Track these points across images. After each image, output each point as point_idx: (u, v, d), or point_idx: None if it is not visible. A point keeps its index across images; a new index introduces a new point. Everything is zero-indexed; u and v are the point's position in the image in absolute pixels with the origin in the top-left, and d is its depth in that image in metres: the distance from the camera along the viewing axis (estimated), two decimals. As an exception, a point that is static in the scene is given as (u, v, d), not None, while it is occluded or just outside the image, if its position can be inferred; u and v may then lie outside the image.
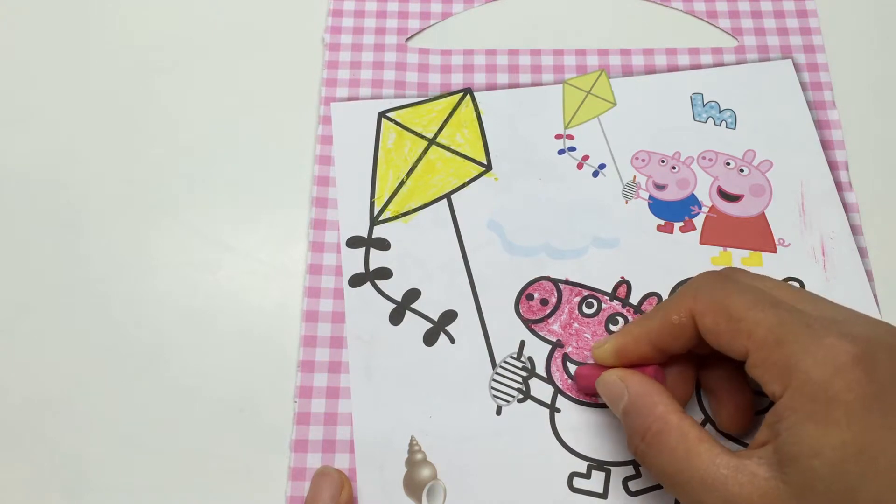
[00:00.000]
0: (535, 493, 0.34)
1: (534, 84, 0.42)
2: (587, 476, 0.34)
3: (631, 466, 0.34)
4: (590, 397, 0.35)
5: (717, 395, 0.33)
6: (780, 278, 0.36)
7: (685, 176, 0.40)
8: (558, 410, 0.35)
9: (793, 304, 0.29)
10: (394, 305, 0.37)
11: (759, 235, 0.38)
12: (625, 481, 0.34)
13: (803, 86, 0.42)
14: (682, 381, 0.33)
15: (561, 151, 0.41)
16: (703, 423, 0.34)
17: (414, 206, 0.39)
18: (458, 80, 0.42)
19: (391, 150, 0.41)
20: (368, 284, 0.38)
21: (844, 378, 0.26)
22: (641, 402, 0.30)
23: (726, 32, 0.44)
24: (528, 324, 0.37)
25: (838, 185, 0.39)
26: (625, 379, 0.31)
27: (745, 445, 0.34)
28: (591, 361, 0.36)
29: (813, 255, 0.38)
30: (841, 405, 0.25)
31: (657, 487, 0.34)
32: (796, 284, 0.37)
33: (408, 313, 0.37)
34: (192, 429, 0.35)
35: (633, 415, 0.30)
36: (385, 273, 0.38)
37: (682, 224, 0.39)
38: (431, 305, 0.37)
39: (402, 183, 0.40)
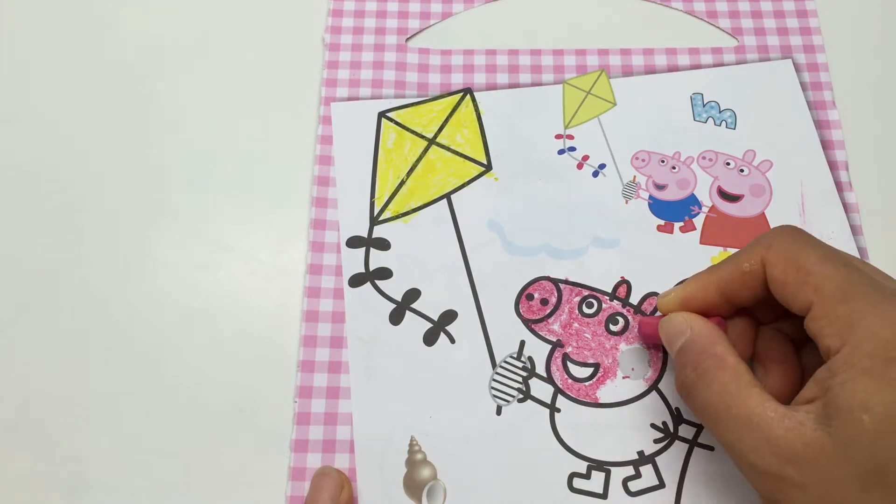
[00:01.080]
0: (535, 493, 0.34)
1: (534, 84, 0.42)
2: (587, 476, 0.34)
3: (631, 467, 0.34)
4: (648, 347, 0.36)
5: (766, 363, 0.33)
6: None
7: (685, 176, 0.40)
8: (558, 410, 0.35)
9: (862, 268, 0.29)
10: (394, 305, 0.37)
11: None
12: (625, 481, 0.34)
13: (803, 86, 0.42)
14: (742, 339, 0.33)
15: (561, 151, 0.41)
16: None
17: (414, 206, 0.39)
18: (458, 80, 0.42)
19: (391, 150, 0.41)
20: (368, 284, 0.38)
21: None
22: (702, 340, 0.30)
23: (726, 32, 0.44)
24: (528, 324, 0.37)
25: (838, 185, 0.39)
26: (689, 319, 0.31)
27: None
28: (590, 362, 0.36)
29: (813, 255, 0.38)
30: None
31: (657, 487, 0.34)
32: None
33: (408, 313, 0.37)
34: (192, 429, 0.35)
35: (689, 350, 0.30)
36: (385, 273, 0.38)
37: (682, 224, 0.39)
38: (431, 305, 0.37)
39: (402, 183, 0.40)
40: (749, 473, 0.28)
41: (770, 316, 0.33)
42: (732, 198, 0.39)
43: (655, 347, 0.36)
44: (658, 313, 0.34)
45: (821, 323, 0.28)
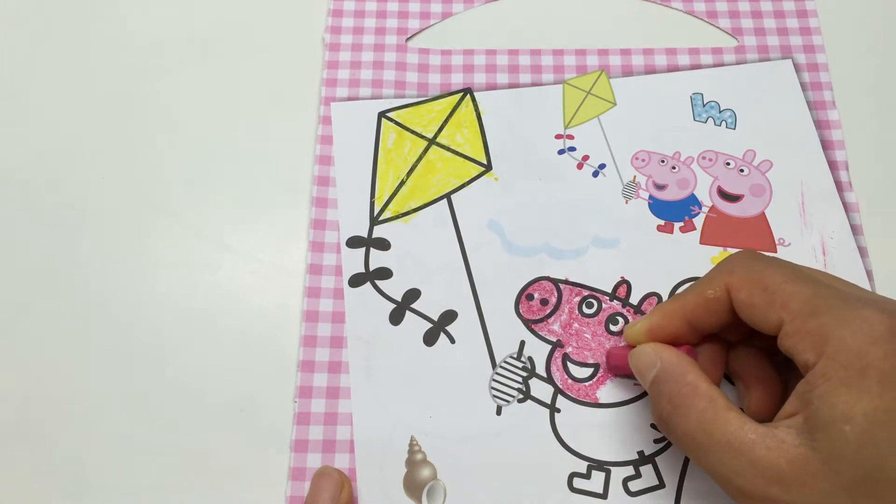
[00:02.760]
0: (535, 493, 0.34)
1: (534, 84, 0.42)
2: (587, 476, 0.34)
3: (631, 466, 0.34)
4: (617, 377, 0.35)
5: (746, 381, 0.33)
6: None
7: (685, 176, 0.40)
8: (558, 410, 0.35)
9: (827, 282, 0.29)
10: (394, 305, 0.37)
11: (759, 235, 0.38)
12: (625, 481, 0.34)
13: (803, 86, 0.42)
14: (712, 364, 0.33)
15: (561, 151, 0.41)
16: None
17: (414, 206, 0.39)
18: (458, 80, 0.42)
19: (391, 150, 0.41)
20: (368, 284, 0.38)
21: (880, 348, 0.26)
22: (672, 370, 0.30)
23: (726, 32, 0.44)
24: (528, 324, 0.37)
25: (838, 185, 0.39)
26: (658, 350, 0.31)
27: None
28: (589, 362, 0.36)
29: (813, 254, 0.38)
30: (875, 373, 0.26)
31: (657, 487, 0.34)
32: None
33: (408, 313, 0.37)
34: (192, 429, 0.35)
35: (662, 382, 0.30)
36: (385, 273, 0.38)
37: (682, 224, 0.39)
38: (431, 305, 0.37)
39: (402, 183, 0.40)
40: (738, 498, 0.28)
41: (738, 335, 0.33)
42: (732, 198, 0.39)
43: (626, 377, 0.35)
44: (623, 343, 0.34)
45: (794, 339, 0.28)
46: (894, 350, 0.26)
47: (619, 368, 0.35)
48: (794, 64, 0.43)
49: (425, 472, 0.34)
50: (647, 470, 0.34)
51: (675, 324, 0.32)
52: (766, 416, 0.33)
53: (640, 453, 0.34)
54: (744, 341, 0.33)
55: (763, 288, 0.29)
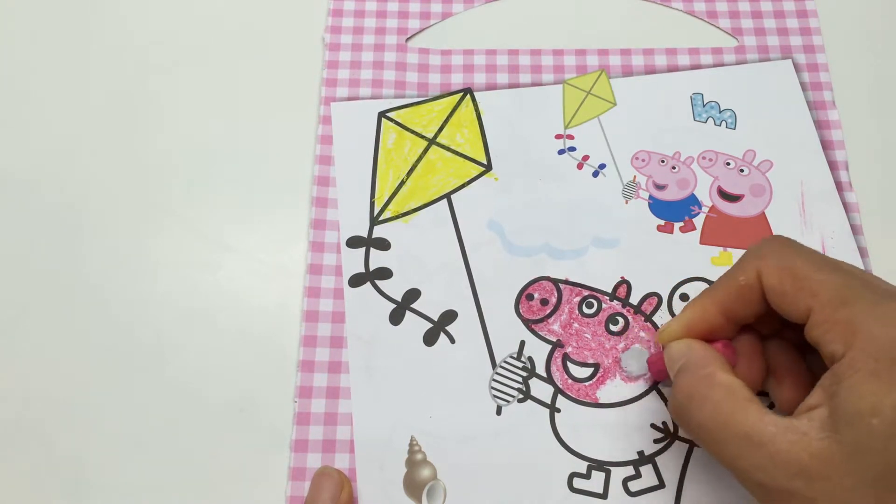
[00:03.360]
0: (535, 493, 0.34)
1: (534, 84, 0.42)
2: (587, 476, 0.34)
3: (631, 466, 0.34)
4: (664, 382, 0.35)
5: (778, 375, 0.33)
6: None
7: (685, 176, 0.40)
8: (558, 410, 0.35)
9: (856, 273, 0.29)
10: (394, 305, 0.37)
11: (759, 235, 0.38)
12: (625, 481, 0.34)
13: (803, 86, 0.42)
14: (754, 356, 0.32)
15: (561, 151, 0.41)
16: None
17: (414, 206, 0.39)
18: (458, 80, 0.42)
19: (391, 149, 0.41)
20: (368, 284, 0.38)
21: None
22: (695, 362, 0.30)
23: (726, 32, 0.44)
24: (528, 324, 0.37)
25: (838, 185, 0.39)
26: (689, 344, 0.31)
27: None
28: (589, 362, 0.36)
29: (813, 255, 0.38)
30: None
31: (657, 487, 0.34)
32: None
33: (408, 313, 0.37)
34: (192, 429, 0.35)
35: (683, 373, 0.30)
36: (385, 273, 0.38)
37: (682, 224, 0.39)
38: (431, 305, 0.37)
39: (402, 183, 0.40)
40: (756, 491, 0.27)
41: (770, 329, 0.32)
42: (732, 198, 0.39)
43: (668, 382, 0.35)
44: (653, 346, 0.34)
45: (822, 329, 0.28)
46: None
47: (661, 373, 0.34)
48: (794, 64, 0.43)
49: (425, 472, 0.34)
50: (647, 470, 0.34)
51: (710, 316, 0.31)
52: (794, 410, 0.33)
53: (640, 453, 0.34)
54: (776, 335, 0.33)
55: (793, 275, 0.29)
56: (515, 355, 0.36)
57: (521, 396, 0.35)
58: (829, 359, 0.27)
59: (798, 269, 0.29)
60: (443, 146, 0.41)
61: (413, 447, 0.35)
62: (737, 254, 0.38)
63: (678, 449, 0.34)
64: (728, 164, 0.40)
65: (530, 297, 0.37)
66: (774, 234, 0.38)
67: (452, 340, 0.37)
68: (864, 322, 0.27)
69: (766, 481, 0.26)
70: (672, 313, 0.37)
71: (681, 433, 0.35)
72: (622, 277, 0.38)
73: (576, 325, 0.37)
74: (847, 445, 0.25)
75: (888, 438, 0.25)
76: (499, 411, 0.35)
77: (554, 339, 0.37)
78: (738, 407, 0.28)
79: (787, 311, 0.29)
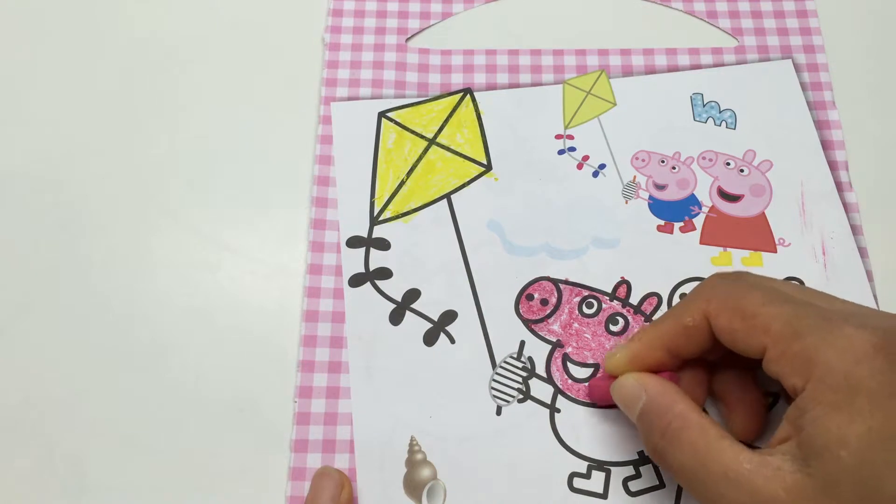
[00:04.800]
0: (535, 493, 0.34)
1: (534, 84, 0.42)
2: (587, 476, 0.34)
3: (631, 466, 0.34)
4: (605, 408, 0.35)
5: (729, 402, 0.33)
6: (781, 278, 0.36)
7: (685, 176, 0.40)
8: (558, 410, 0.35)
9: (805, 299, 0.29)
10: (394, 305, 0.37)
11: (759, 235, 0.38)
12: (625, 481, 0.34)
13: (803, 86, 0.42)
14: (696, 387, 0.33)
15: (561, 151, 0.41)
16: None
17: (414, 206, 0.39)
18: (458, 80, 0.42)
19: (391, 150, 0.41)
20: (368, 284, 0.38)
21: (867, 367, 0.26)
22: (660, 401, 0.30)
23: (726, 32, 0.44)
24: (528, 324, 0.37)
25: (838, 185, 0.39)
26: (642, 381, 0.31)
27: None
28: (589, 362, 0.36)
29: (813, 254, 0.38)
30: (865, 394, 0.25)
31: (657, 487, 0.34)
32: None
33: (408, 313, 0.37)
34: (192, 429, 0.35)
35: (651, 414, 0.30)
36: (385, 273, 0.38)
37: (682, 224, 0.39)
38: (431, 305, 0.37)
39: (402, 183, 0.40)
40: None
41: (719, 355, 0.32)
42: (732, 198, 0.39)
43: (611, 408, 0.35)
44: (597, 374, 0.34)
45: (779, 364, 0.28)
46: (880, 367, 0.26)
47: (603, 400, 0.34)
48: (794, 64, 0.43)
49: (425, 472, 0.34)
50: (647, 470, 0.34)
51: (656, 353, 0.32)
52: (750, 437, 0.33)
53: (640, 453, 0.34)
54: (725, 361, 0.33)
55: (742, 314, 0.29)
56: (515, 355, 0.36)
57: (521, 396, 0.35)
58: (792, 391, 0.27)
59: (746, 307, 0.29)
60: (443, 146, 0.41)
61: (413, 447, 0.35)
62: (737, 254, 0.38)
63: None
64: (728, 164, 0.40)
65: (530, 297, 0.37)
66: (772, 235, 0.38)
67: (452, 340, 0.37)
68: (818, 353, 0.26)
69: None
70: (672, 313, 0.37)
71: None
72: (622, 277, 0.38)
73: (576, 325, 0.37)
74: (819, 478, 0.25)
75: (858, 468, 0.25)
76: (499, 411, 0.35)
77: (554, 340, 0.37)
78: (713, 445, 0.28)
79: (741, 349, 0.29)
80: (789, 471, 0.26)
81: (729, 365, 0.33)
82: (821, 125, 0.41)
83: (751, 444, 0.33)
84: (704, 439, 0.28)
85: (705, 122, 0.41)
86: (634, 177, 0.40)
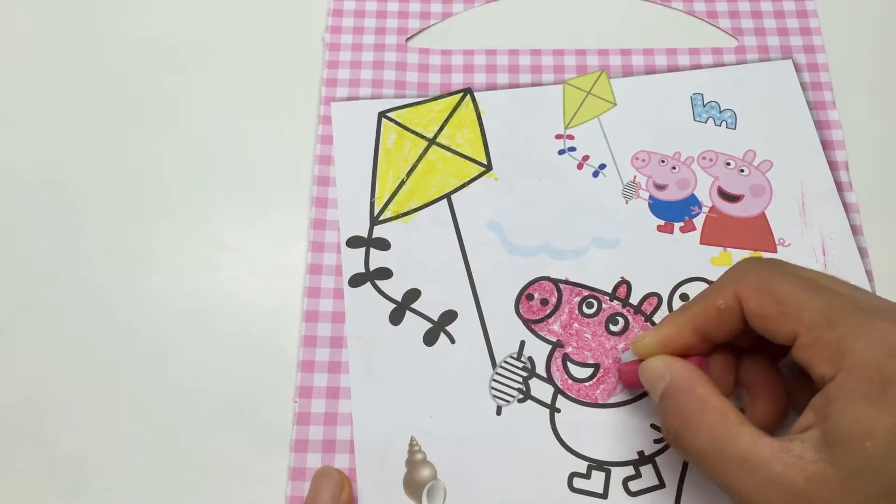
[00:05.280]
0: (535, 493, 0.34)
1: (534, 84, 0.42)
2: (587, 476, 0.34)
3: (631, 466, 0.34)
4: (633, 392, 0.35)
5: (753, 390, 0.33)
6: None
7: (685, 176, 0.40)
8: (558, 410, 0.35)
9: (839, 290, 0.29)
10: (394, 305, 0.37)
11: (759, 235, 0.38)
12: (625, 481, 0.34)
13: (803, 86, 0.42)
14: (725, 372, 0.32)
15: (561, 151, 0.41)
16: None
17: (414, 206, 0.39)
18: (458, 80, 0.42)
19: (391, 150, 0.41)
20: (368, 284, 0.38)
21: None
22: (682, 384, 0.30)
23: (726, 32, 0.44)
24: (528, 324, 0.37)
25: (838, 185, 0.39)
26: (668, 363, 0.31)
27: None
28: (590, 362, 0.36)
29: (813, 254, 0.38)
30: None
31: (657, 487, 0.34)
32: None
33: (408, 313, 0.37)
34: (192, 429, 0.35)
35: (671, 396, 0.30)
36: (385, 273, 0.38)
37: (682, 224, 0.39)
38: (431, 305, 0.37)
39: (402, 183, 0.40)
40: None
41: (748, 341, 0.32)
42: (732, 198, 0.39)
43: (640, 391, 0.35)
44: (630, 357, 0.34)
45: (810, 352, 0.28)
46: None
47: (632, 385, 0.34)
48: (794, 64, 0.43)
49: (425, 472, 0.34)
50: (647, 470, 0.34)
51: (686, 336, 0.31)
52: (769, 426, 0.33)
53: (640, 453, 0.34)
54: (752, 348, 0.33)
55: (775, 299, 0.29)
56: (515, 355, 0.36)
57: (521, 396, 0.35)
58: (820, 380, 0.27)
59: (779, 293, 0.29)
60: (443, 146, 0.41)
61: (413, 447, 0.35)
62: (737, 254, 0.38)
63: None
64: (728, 164, 0.40)
65: (530, 297, 0.37)
66: (772, 235, 0.38)
67: (452, 340, 0.37)
68: (852, 344, 0.26)
69: None
70: (672, 313, 0.37)
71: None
72: (622, 277, 0.38)
73: (576, 325, 0.37)
74: (842, 468, 0.25)
75: (883, 461, 0.25)
76: (499, 411, 0.35)
77: (554, 339, 0.37)
78: (732, 430, 0.27)
79: (771, 334, 0.29)
80: (811, 459, 0.26)
81: (754, 352, 0.33)
82: (821, 125, 0.41)
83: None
84: (723, 423, 0.28)
85: (705, 122, 0.41)
86: (634, 177, 0.40)
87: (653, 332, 0.32)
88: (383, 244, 0.39)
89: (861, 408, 0.25)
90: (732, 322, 0.31)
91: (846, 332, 0.27)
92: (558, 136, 0.41)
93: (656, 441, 0.35)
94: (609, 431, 0.35)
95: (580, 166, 0.40)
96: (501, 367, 0.36)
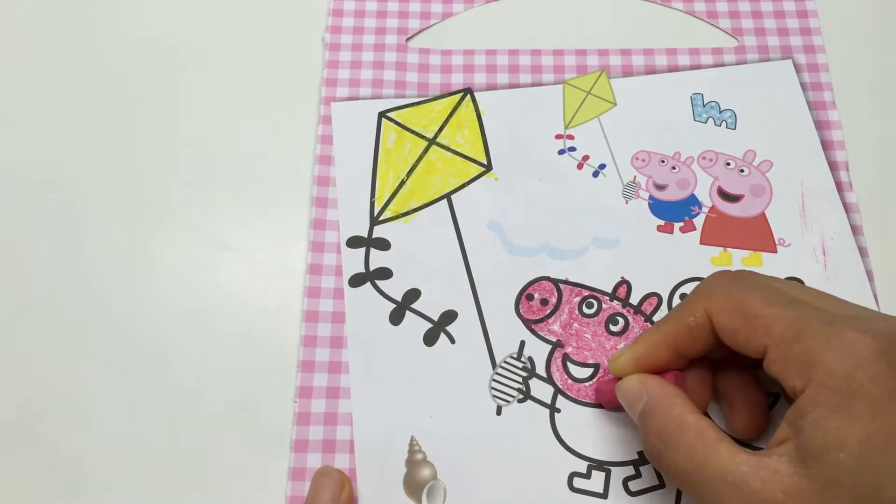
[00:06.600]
0: (535, 493, 0.34)
1: (534, 84, 0.42)
2: (587, 476, 0.34)
3: (631, 466, 0.34)
4: (612, 410, 0.35)
5: (731, 400, 0.33)
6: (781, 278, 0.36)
7: (685, 176, 0.40)
8: (558, 410, 0.35)
9: (808, 301, 0.29)
10: (394, 305, 0.37)
11: (759, 235, 0.38)
12: (625, 481, 0.34)
13: (803, 86, 0.42)
14: (701, 386, 0.33)
15: (561, 151, 0.41)
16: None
17: (414, 206, 0.39)
18: (458, 80, 0.42)
19: (391, 150, 0.41)
20: (368, 284, 0.38)
21: (868, 371, 0.26)
22: (659, 403, 0.30)
23: (726, 32, 0.44)
24: (528, 324, 0.37)
25: (838, 185, 0.39)
26: (644, 382, 0.31)
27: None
28: (590, 362, 0.36)
29: (813, 254, 0.38)
30: (865, 398, 0.25)
31: (657, 487, 0.34)
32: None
33: (408, 313, 0.37)
34: (192, 429, 0.35)
35: (650, 416, 0.30)
36: (385, 273, 0.38)
37: (682, 224, 0.39)
38: (431, 305, 0.37)
39: (402, 183, 0.40)
40: None
41: (723, 354, 0.32)
42: (732, 198, 0.39)
43: (619, 410, 0.34)
44: (598, 376, 0.34)
45: (780, 365, 0.28)
46: (881, 372, 0.26)
47: (611, 403, 0.34)
48: (794, 64, 0.43)
49: (425, 472, 0.34)
50: (647, 470, 0.34)
51: (660, 353, 0.32)
52: (752, 435, 0.33)
53: (641, 453, 0.34)
54: (728, 360, 0.33)
55: (743, 313, 0.29)
56: (515, 355, 0.36)
57: (521, 396, 0.35)
58: (792, 393, 0.27)
59: (748, 307, 0.29)
60: (443, 146, 0.41)
61: (413, 447, 0.35)
62: (737, 254, 0.38)
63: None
64: (728, 164, 0.40)
65: (530, 298, 0.37)
66: (773, 235, 0.38)
67: (452, 340, 0.37)
68: (820, 356, 0.26)
69: None
70: (672, 313, 0.37)
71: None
72: (622, 277, 0.38)
73: (576, 325, 0.37)
74: (817, 481, 0.25)
75: (856, 471, 0.25)
76: (499, 411, 0.35)
77: (554, 340, 0.37)
78: (710, 448, 0.27)
79: (742, 349, 0.29)
80: (787, 473, 0.26)
81: (732, 363, 0.33)
82: (821, 125, 0.41)
83: (751, 443, 0.33)
84: (701, 442, 0.28)
85: (705, 123, 0.41)
86: (634, 177, 0.40)
87: (628, 351, 0.32)
88: (383, 244, 0.39)
89: (832, 420, 0.26)
90: (704, 338, 0.31)
91: (814, 344, 0.27)
92: (558, 136, 0.41)
93: (656, 441, 0.34)
94: (609, 431, 0.35)
95: (580, 166, 0.40)
96: (501, 367, 0.36)
